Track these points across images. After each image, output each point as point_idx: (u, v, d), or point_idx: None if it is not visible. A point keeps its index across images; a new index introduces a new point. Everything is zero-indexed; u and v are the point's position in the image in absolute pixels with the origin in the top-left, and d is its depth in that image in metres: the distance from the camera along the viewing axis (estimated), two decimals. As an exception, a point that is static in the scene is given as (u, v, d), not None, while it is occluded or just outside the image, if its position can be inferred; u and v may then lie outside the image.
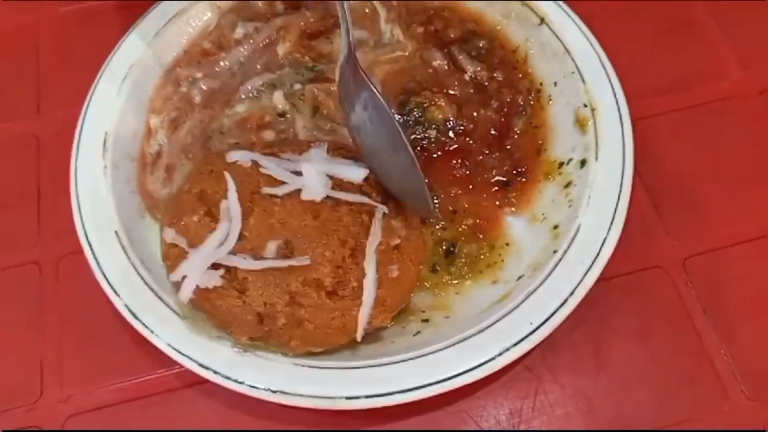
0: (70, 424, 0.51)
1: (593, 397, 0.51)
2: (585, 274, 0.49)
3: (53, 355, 0.53)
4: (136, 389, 0.52)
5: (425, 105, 0.58)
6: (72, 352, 0.53)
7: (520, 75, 0.61)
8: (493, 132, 0.58)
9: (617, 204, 0.51)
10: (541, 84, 0.60)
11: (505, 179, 0.57)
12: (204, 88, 0.59)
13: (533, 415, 0.50)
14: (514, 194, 0.56)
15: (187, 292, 0.48)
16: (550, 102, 0.59)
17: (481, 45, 0.61)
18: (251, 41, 0.61)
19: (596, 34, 0.59)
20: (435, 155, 0.57)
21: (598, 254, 0.49)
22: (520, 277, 0.52)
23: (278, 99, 0.58)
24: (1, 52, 0.68)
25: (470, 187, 0.56)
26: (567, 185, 0.55)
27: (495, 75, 0.60)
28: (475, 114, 0.58)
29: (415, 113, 0.58)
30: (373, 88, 0.50)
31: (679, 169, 0.59)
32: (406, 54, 0.62)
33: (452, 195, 0.56)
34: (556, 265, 0.50)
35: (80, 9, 0.70)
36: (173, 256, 0.49)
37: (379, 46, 0.62)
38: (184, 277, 0.48)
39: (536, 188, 0.56)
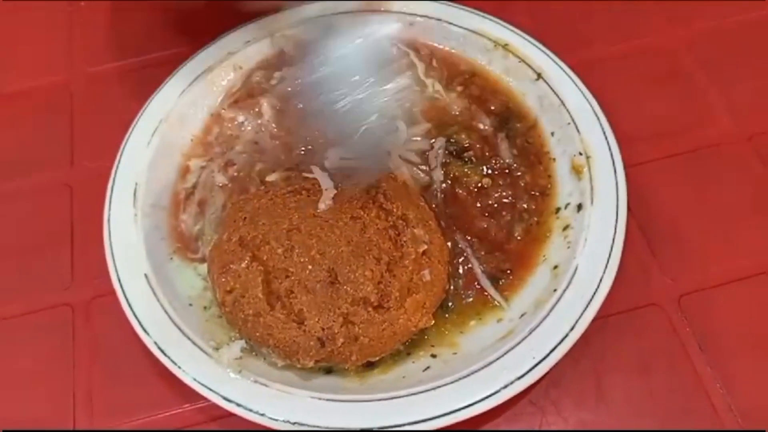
0: (101, 456, 0.54)
1: (595, 430, 0.53)
2: (583, 311, 0.52)
3: (85, 391, 0.57)
4: (163, 423, 0.55)
5: (458, 135, 0.63)
6: (102, 388, 0.57)
7: (542, 168, 0.62)
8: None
9: (612, 245, 0.55)
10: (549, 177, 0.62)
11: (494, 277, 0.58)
12: (249, 128, 0.64)
13: (538, 447, 0.53)
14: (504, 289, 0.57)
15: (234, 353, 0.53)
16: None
17: (518, 126, 0.64)
18: (297, 81, 0.66)
19: (590, 85, 0.63)
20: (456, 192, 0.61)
21: (595, 292, 0.53)
22: (522, 315, 0.55)
23: None
24: (37, 108, 0.73)
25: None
26: (565, 228, 0.58)
27: (524, 174, 0.62)
28: (495, 195, 0.61)
29: (446, 141, 0.63)
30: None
31: (672, 212, 0.62)
32: (447, 101, 0.66)
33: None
34: (556, 303, 0.53)
35: (107, 69, 0.75)
36: (230, 303, 0.54)
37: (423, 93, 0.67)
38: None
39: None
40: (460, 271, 0.58)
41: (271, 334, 0.52)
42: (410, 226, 0.55)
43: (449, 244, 0.59)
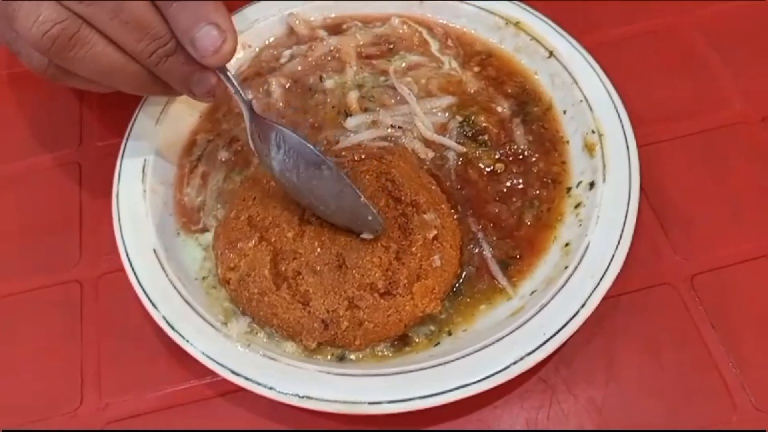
0: (109, 429, 0.54)
1: (605, 408, 0.53)
2: (595, 288, 0.51)
3: (93, 366, 0.57)
4: (170, 398, 0.55)
5: (474, 115, 0.63)
6: (110, 364, 0.57)
7: (556, 154, 0.61)
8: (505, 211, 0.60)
9: (624, 222, 0.54)
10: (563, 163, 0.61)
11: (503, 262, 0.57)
12: (257, 107, 0.62)
13: (548, 424, 0.52)
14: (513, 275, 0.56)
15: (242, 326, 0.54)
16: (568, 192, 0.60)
17: (535, 110, 0.64)
18: (308, 58, 0.66)
19: (604, 64, 0.63)
20: (468, 173, 0.61)
21: (607, 269, 0.52)
22: (533, 292, 0.54)
23: (352, 97, 0.64)
24: (45, 88, 0.73)
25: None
26: (577, 206, 0.58)
27: (537, 161, 0.61)
28: (507, 181, 0.61)
29: (463, 120, 0.62)
30: (276, 124, 0.52)
31: (685, 192, 0.62)
32: (463, 78, 0.66)
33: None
34: (567, 280, 0.52)
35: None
36: (235, 281, 0.53)
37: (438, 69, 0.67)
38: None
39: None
40: (473, 256, 0.57)
41: (275, 313, 0.52)
42: (420, 211, 0.55)
43: (462, 227, 0.58)
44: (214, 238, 0.57)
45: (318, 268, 0.52)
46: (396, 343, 0.53)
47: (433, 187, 0.58)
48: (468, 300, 0.56)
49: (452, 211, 0.58)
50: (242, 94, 0.52)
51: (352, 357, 0.53)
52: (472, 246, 0.58)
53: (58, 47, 0.47)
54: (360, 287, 0.52)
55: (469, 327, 0.54)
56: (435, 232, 0.54)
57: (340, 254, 0.53)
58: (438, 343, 0.53)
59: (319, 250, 0.53)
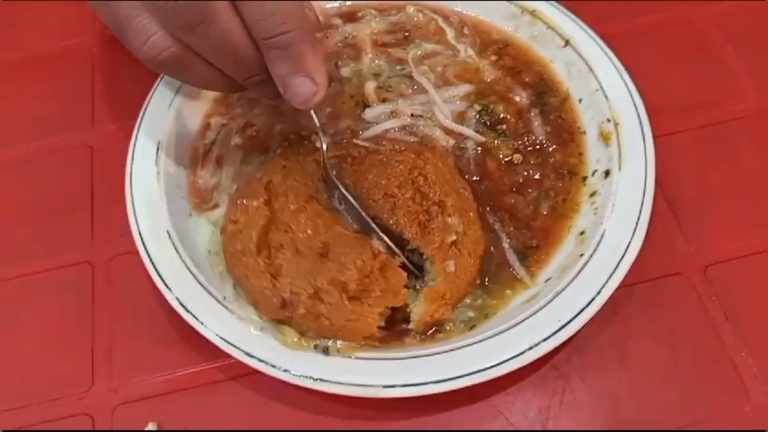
0: (119, 412, 0.54)
1: (618, 396, 0.52)
2: (610, 276, 0.51)
3: (104, 348, 0.56)
4: (181, 381, 0.55)
5: (493, 104, 0.63)
6: (121, 346, 0.56)
7: (574, 145, 0.61)
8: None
9: (640, 211, 0.54)
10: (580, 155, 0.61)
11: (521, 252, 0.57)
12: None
13: (560, 412, 0.52)
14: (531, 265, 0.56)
15: None
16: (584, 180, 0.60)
17: (552, 101, 0.63)
18: (324, 46, 0.67)
19: (619, 55, 0.63)
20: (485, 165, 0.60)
21: (622, 257, 0.52)
22: (548, 279, 0.54)
23: (369, 88, 0.64)
24: (58, 70, 0.73)
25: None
26: (592, 194, 0.58)
27: (554, 152, 0.61)
28: (523, 172, 0.60)
29: (481, 109, 0.62)
30: (339, 185, 0.54)
31: (699, 183, 0.62)
32: (480, 66, 0.65)
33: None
34: (582, 268, 0.52)
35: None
36: (230, 234, 0.54)
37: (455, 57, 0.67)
38: None
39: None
40: (494, 254, 0.57)
41: (246, 275, 0.52)
42: (445, 213, 0.54)
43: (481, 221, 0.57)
44: (235, 190, 0.58)
45: (301, 248, 0.52)
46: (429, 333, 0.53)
47: (466, 193, 0.57)
48: (494, 287, 0.55)
49: (478, 218, 0.57)
50: (320, 135, 0.56)
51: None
52: (493, 245, 0.57)
53: (164, 68, 0.50)
54: (331, 282, 0.50)
55: (502, 311, 0.54)
56: (455, 237, 0.53)
57: (327, 243, 0.52)
58: (474, 326, 0.53)
59: (309, 232, 0.52)
